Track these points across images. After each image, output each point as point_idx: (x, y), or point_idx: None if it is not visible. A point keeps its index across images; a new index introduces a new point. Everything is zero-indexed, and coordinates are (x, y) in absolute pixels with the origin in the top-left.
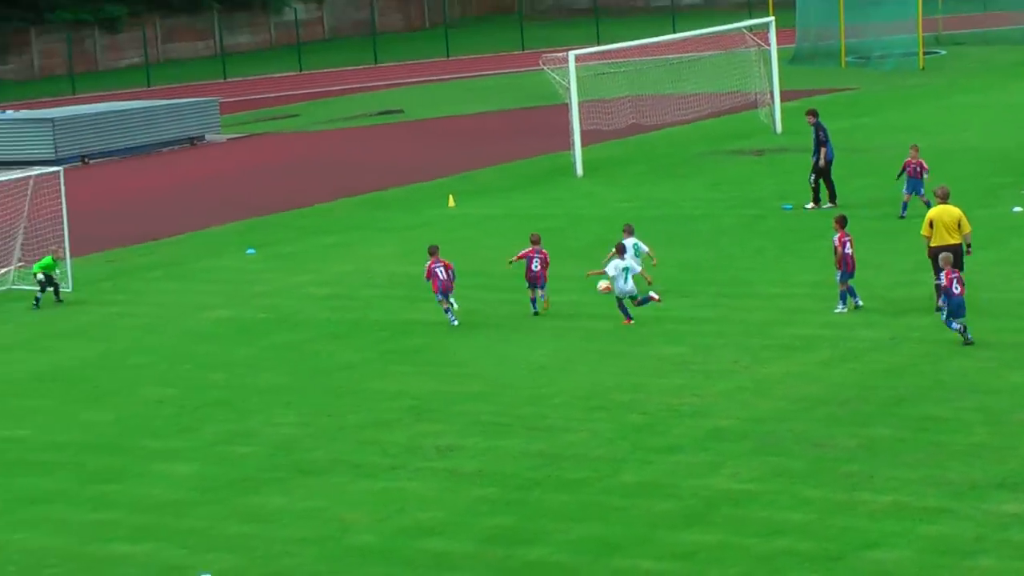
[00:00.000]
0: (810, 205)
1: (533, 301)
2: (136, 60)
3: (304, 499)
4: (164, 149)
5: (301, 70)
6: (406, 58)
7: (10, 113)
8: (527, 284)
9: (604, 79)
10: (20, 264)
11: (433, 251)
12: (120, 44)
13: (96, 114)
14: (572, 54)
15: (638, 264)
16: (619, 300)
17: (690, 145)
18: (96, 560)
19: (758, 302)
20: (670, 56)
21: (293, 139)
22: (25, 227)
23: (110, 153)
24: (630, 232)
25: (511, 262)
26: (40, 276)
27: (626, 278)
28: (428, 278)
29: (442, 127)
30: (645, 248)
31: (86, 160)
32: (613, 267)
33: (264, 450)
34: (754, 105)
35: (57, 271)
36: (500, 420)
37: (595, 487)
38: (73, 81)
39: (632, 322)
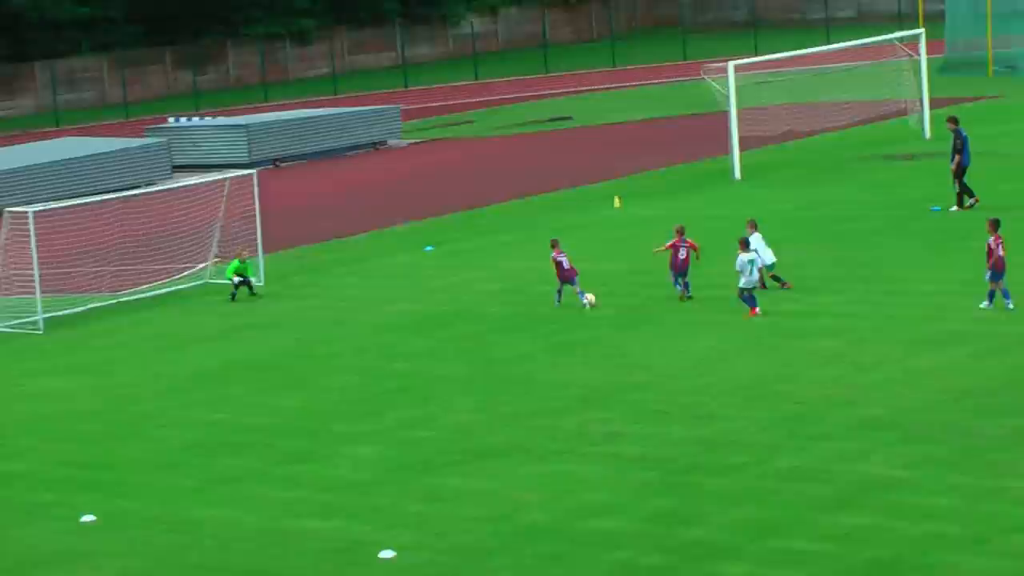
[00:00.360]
0: (954, 208)
1: (683, 287)
2: (324, 70)
3: (479, 480)
4: (349, 153)
5: (477, 79)
6: (575, 68)
7: (208, 119)
8: (671, 273)
9: (761, 88)
10: (216, 260)
11: (554, 244)
12: (309, 55)
13: (287, 120)
14: (731, 64)
15: (764, 257)
16: (743, 291)
17: (843, 150)
18: (287, 535)
19: (909, 298)
20: (824, 66)
21: (469, 144)
22: (221, 225)
23: (300, 156)
24: (754, 227)
25: (656, 251)
26: (235, 279)
27: (751, 270)
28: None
29: (608, 133)
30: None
31: (278, 163)
32: (739, 262)
33: (442, 435)
34: (904, 112)
35: (240, 278)
36: (663, 408)
37: (752, 472)
38: (266, 90)
39: (758, 311)
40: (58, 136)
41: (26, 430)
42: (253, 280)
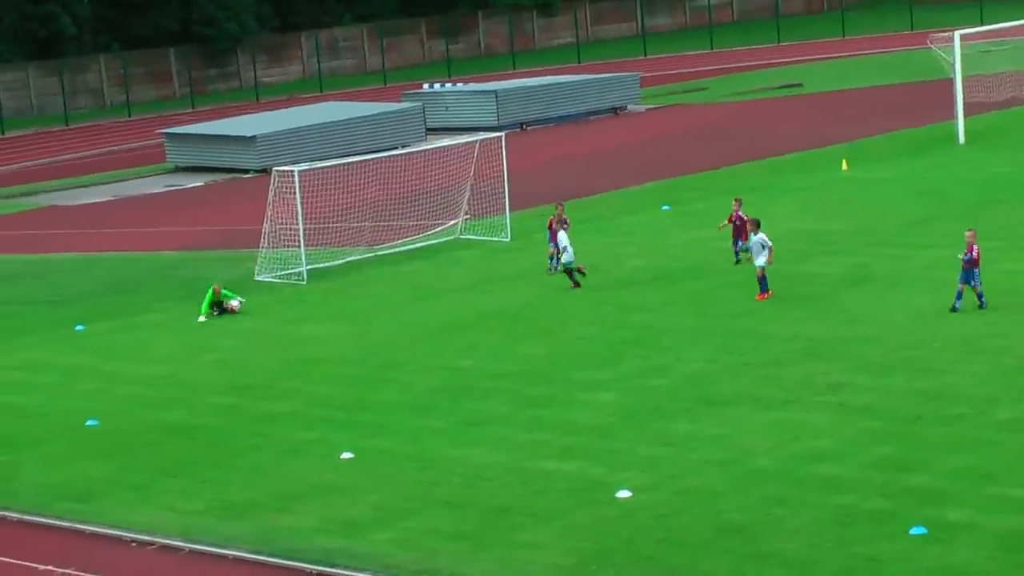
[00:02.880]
0: None
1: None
2: (568, 40)
3: (709, 427)
4: (591, 117)
5: (712, 48)
6: (806, 38)
7: (460, 86)
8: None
9: (986, 56)
10: (467, 216)
11: (559, 209)
12: (554, 26)
13: (533, 87)
14: (957, 34)
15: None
16: (760, 270)
17: None
18: (529, 474)
19: None
20: None
21: (703, 109)
22: (472, 184)
23: (545, 121)
24: (565, 222)
25: (720, 227)
26: (213, 311)
27: (762, 250)
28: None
29: (837, 99)
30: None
31: (524, 127)
32: (753, 243)
33: (675, 383)
34: None
35: (218, 309)
36: (885, 361)
37: (971, 422)
38: (513, 58)
39: (766, 296)
40: (322, 101)
41: (291, 373)
42: (235, 302)
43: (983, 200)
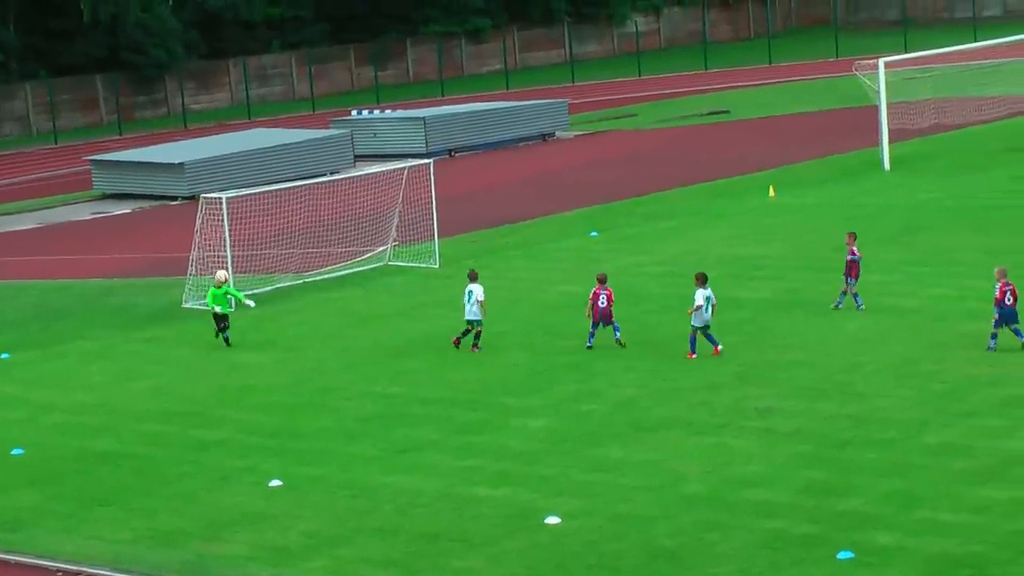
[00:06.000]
0: None
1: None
2: (497, 67)
3: (641, 452)
4: (520, 144)
5: (640, 75)
6: (733, 65)
7: (388, 112)
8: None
9: (910, 83)
10: (395, 243)
11: (602, 279)
12: (483, 53)
13: (462, 114)
14: (882, 61)
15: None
16: (696, 331)
17: (990, 142)
18: (461, 500)
19: None
20: (972, 63)
21: (632, 136)
22: (400, 211)
23: (473, 147)
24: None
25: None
26: (217, 308)
27: (707, 307)
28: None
29: (764, 126)
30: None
31: (453, 153)
32: (701, 296)
33: (607, 408)
34: None
35: (221, 308)
36: (816, 385)
37: (901, 446)
38: (442, 85)
39: (695, 356)
40: (250, 127)
41: (222, 401)
42: (243, 297)
43: (911, 226)
